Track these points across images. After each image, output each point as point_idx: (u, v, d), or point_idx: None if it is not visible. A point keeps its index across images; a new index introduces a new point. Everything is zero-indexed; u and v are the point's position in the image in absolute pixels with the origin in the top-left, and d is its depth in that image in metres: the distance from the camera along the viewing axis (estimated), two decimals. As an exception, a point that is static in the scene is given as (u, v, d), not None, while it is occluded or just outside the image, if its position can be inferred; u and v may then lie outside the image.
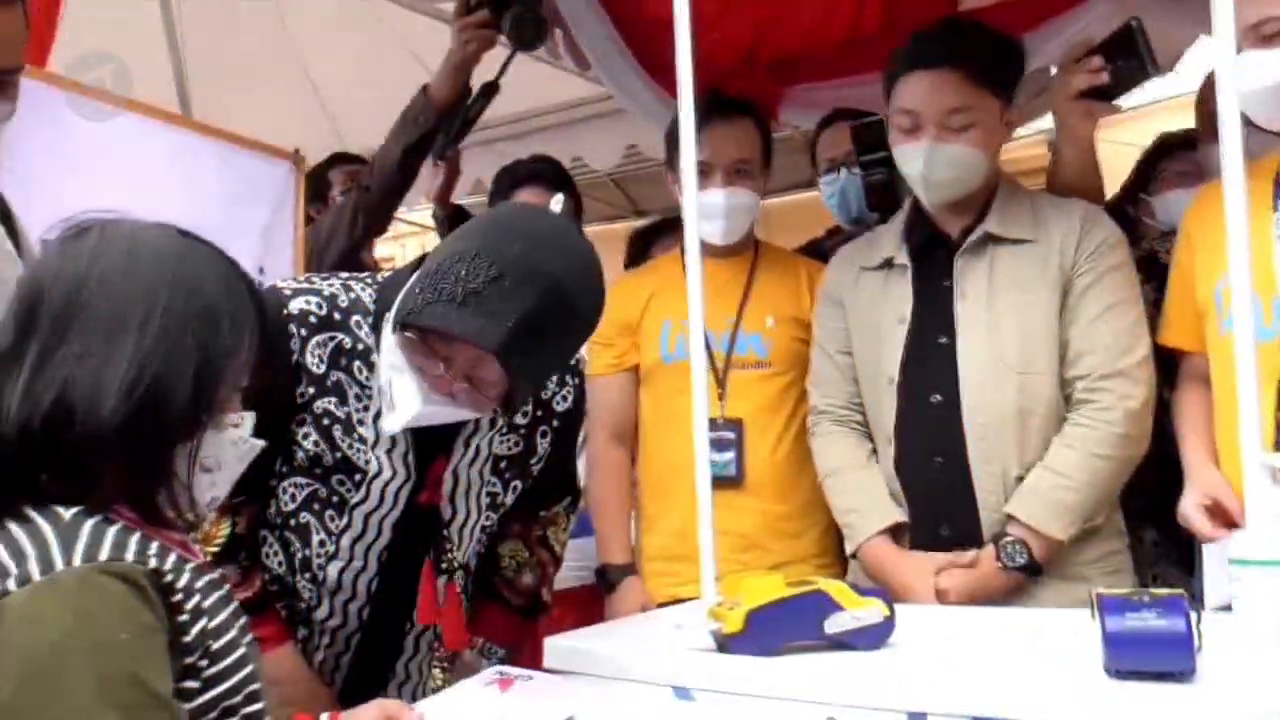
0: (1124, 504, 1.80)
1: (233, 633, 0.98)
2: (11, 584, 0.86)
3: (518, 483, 1.56)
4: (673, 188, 2.14)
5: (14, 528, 0.90)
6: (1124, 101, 1.85)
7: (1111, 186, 2.30)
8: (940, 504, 1.78)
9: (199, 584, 0.95)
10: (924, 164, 1.78)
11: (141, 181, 2.30)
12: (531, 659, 1.43)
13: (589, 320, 1.38)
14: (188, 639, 0.91)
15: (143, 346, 0.93)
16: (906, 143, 1.81)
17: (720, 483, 1.99)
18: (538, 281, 1.25)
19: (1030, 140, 3.77)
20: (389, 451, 1.44)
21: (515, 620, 1.68)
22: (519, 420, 1.54)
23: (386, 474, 1.44)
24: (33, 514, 0.91)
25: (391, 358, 1.33)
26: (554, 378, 1.56)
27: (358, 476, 1.43)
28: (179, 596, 0.91)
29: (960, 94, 1.76)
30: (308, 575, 1.47)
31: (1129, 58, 1.76)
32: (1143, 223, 2.42)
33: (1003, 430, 1.74)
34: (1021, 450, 1.73)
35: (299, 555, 1.46)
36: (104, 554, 0.88)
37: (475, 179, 3.48)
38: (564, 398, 1.59)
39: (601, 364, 2.23)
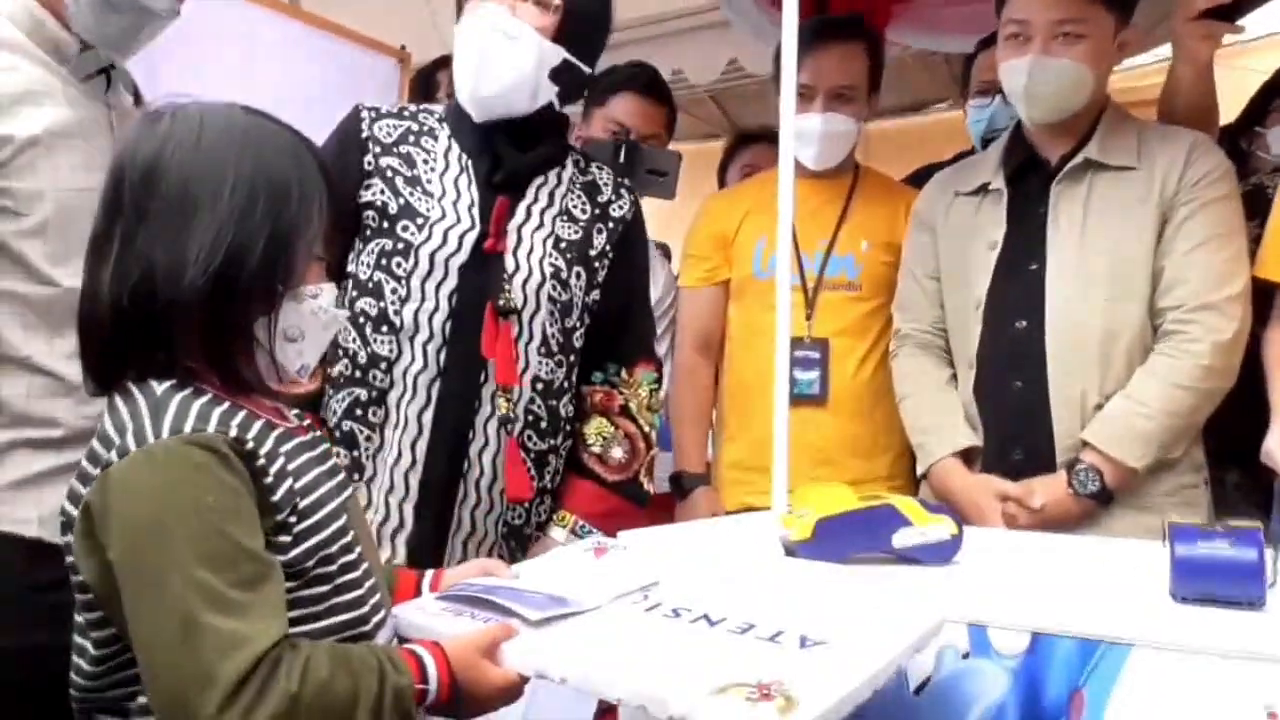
0: (1207, 444, 1.77)
1: (324, 489, 1.05)
2: (114, 455, 0.95)
3: (580, 270, 1.63)
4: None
5: (119, 402, 1.00)
6: (1251, 28, 1.76)
7: (1233, 115, 2.20)
8: (1016, 427, 1.77)
9: (285, 448, 1.02)
10: (1028, 76, 1.73)
11: (248, 69, 2.34)
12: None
13: None
14: (275, 498, 0.99)
15: (214, 222, 0.99)
16: (1012, 55, 1.76)
17: (803, 400, 2.04)
18: None
19: (1151, 68, 3.59)
20: (455, 203, 1.57)
21: (610, 497, 1.68)
22: (577, 214, 1.66)
23: (450, 219, 1.56)
24: (133, 389, 1.00)
25: (466, 19, 1.56)
26: (608, 183, 1.71)
27: (420, 220, 1.56)
28: (262, 461, 0.98)
29: (1073, 4, 1.70)
30: (385, 327, 1.55)
31: None
32: (1255, 156, 2.31)
33: (1085, 357, 1.72)
34: (1103, 378, 1.71)
35: (374, 312, 1.56)
36: (188, 426, 0.96)
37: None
38: (620, 205, 1.71)
39: (693, 276, 2.26)
